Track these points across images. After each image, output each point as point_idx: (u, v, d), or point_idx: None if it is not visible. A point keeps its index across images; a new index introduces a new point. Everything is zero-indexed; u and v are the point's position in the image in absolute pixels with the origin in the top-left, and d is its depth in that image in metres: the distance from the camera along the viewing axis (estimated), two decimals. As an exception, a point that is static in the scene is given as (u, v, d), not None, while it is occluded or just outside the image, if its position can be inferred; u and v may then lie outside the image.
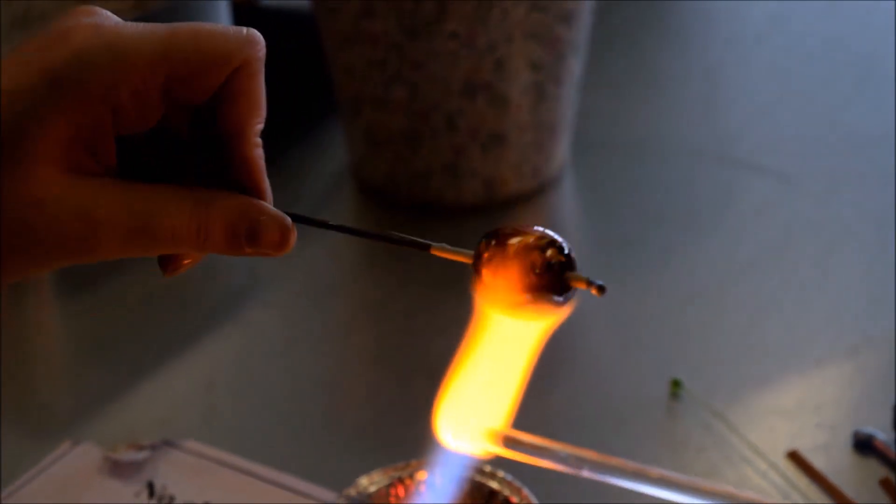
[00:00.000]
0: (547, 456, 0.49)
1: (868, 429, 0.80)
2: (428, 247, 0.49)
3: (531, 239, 0.48)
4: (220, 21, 1.25)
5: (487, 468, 0.68)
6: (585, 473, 0.49)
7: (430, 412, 0.51)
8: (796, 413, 0.83)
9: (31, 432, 0.85)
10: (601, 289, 0.47)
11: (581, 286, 0.47)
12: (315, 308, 0.98)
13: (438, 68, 1.01)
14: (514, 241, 0.48)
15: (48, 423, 0.86)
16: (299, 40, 1.18)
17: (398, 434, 0.82)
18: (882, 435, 0.80)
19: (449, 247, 0.49)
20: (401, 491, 0.68)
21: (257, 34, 0.47)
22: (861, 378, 0.86)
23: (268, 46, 0.48)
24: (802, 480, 0.78)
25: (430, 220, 1.07)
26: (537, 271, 0.47)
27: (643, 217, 1.07)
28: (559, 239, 0.48)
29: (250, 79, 0.47)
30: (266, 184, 0.49)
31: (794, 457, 0.79)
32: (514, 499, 0.67)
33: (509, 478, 0.68)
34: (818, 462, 0.79)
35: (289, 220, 0.48)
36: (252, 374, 0.91)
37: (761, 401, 0.85)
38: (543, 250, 0.48)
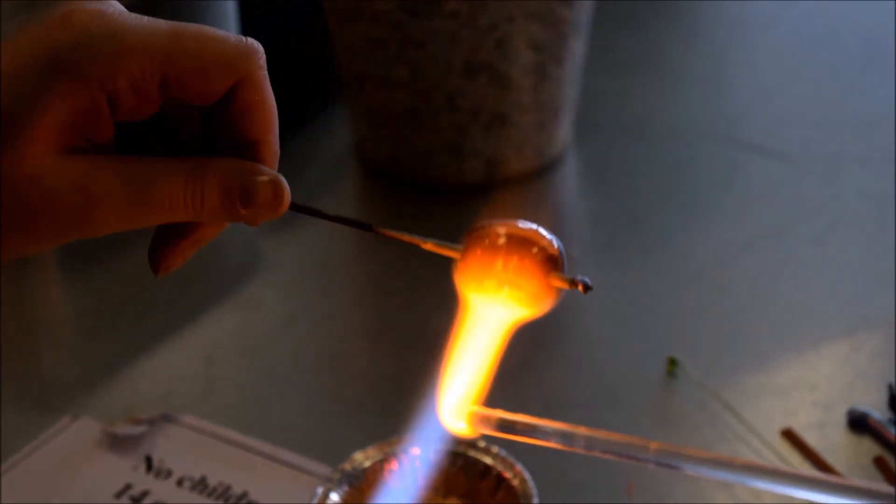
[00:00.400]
0: (524, 432, 0.49)
1: (863, 407, 0.81)
2: (423, 241, 0.49)
3: (516, 236, 0.48)
4: (224, 2, 1.26)
5: (481, 444, 0.68)
6: (577, 447, 0.49)
7: (427, 388, 0.51)
8: (791, 391, 0.84)
9: (31, 406, 0.86)
10: (587, 287, 0.46)
11: (564, 286, 0.47)
12: (314, 285, 0.99)
13: (439, 48, 1.02)
14: (501, 239, 0.48)
15: (48, 398, 0.87)
16: (304, 19, 1.18)
17: (393, 410, 0.82)
18: (876, 413, 0.80)
19: (440, 242, 0.49)
20: (395, 466, 0.69)
21: (256, 44, 0.47)
22: (857, 357, 0.87)
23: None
24: (796, 458, 0.78)
25: (432, 200, 1.07)
26: (521, 269, 0.47)
27: (644, 197, 1.07)
28: (548, 236, 0.48)
29: (258, 89, 0.47)
30: None
31: (789, 435, 0.80)
32: (508, 474, 0.68)
33: (503, 453, 0.68)
34: (812, 440, 0.79)
35: (283, 179, 0.48)
36: (250, 349, 0.91)
37: (757, 379, 0.85)
38: (529, 249, 0.48)
